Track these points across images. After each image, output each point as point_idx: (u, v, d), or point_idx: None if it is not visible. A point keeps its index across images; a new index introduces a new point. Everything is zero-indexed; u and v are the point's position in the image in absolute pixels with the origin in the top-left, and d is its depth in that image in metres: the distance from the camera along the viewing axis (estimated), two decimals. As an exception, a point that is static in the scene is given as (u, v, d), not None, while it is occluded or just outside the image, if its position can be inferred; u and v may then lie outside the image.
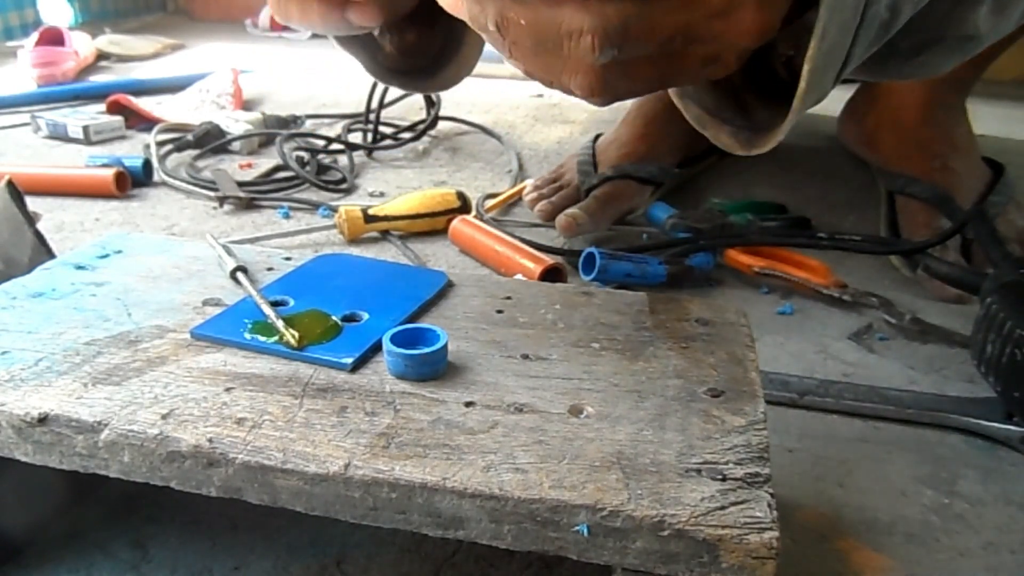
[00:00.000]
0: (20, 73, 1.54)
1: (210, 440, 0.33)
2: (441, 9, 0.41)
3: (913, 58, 0.45)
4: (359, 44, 0.46)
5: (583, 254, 0.73)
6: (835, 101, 0.79)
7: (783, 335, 0.68)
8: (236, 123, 1.19)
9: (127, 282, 0.47)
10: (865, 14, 0.36)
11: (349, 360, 0.38)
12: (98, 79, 1.62)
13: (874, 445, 0.54)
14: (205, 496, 0.34)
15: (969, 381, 0.62)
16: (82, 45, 1.69)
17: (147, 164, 1.02)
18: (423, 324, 0.41)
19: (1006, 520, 0.48)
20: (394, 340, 0.38)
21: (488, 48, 0.74)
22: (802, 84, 0.35)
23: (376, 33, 0.46)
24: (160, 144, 1.11)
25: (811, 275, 0.75)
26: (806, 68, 0.35)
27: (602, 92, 0.36)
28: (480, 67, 0.68)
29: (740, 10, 0.34)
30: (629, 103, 1.01)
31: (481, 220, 0.86)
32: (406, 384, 0.37)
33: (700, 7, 0.34)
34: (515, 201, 0.97)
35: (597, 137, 0.99)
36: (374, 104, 1.17)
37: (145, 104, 1.28)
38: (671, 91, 0.42)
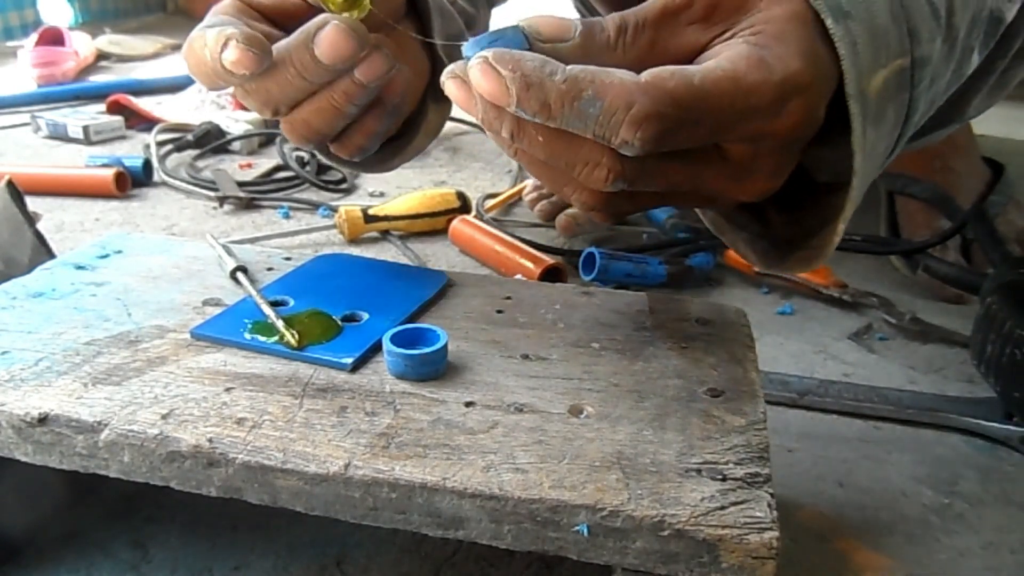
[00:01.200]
0: (20, 73, 1.54)
1: (210, 440, 0.33)
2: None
3: (913, 142, 0.46)
4: None
5: (583, 254, 0.73)
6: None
7: (783, 335, 0.68)
8: (236, 123, 1.19)
9: (127, 282, 0.47)
10: (894, 148, 0.37)
11: (349, 360, 0.38)
12: (98, 79, 1.62)
13: (874, 445, 0.54)
14: (205, 496, 0.34)
15: (969, 381, 0.62)
16: (82, 45, 1.69)
17: (147, 164, 1.02)
18: (423, 324, 0.41)
19: (1006, 520, 0.48)
20: (394, 340, 0.38)
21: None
22: (835, 238, 0.36)
23: None
24: (160, 144, 1.11)
25: (811, 275, 0.75)
26: (840, 226, 0.36)
27: (602, 212, 0.36)
28: None
29: (752, 178, 0.35)
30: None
31: (481, 220, 0.86)
32: (406, 384, 0.37)
33: (716, 168, 0.34)
34: (515, 201, 0.97)
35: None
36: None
37: (145, 104, 1.28)
38: None
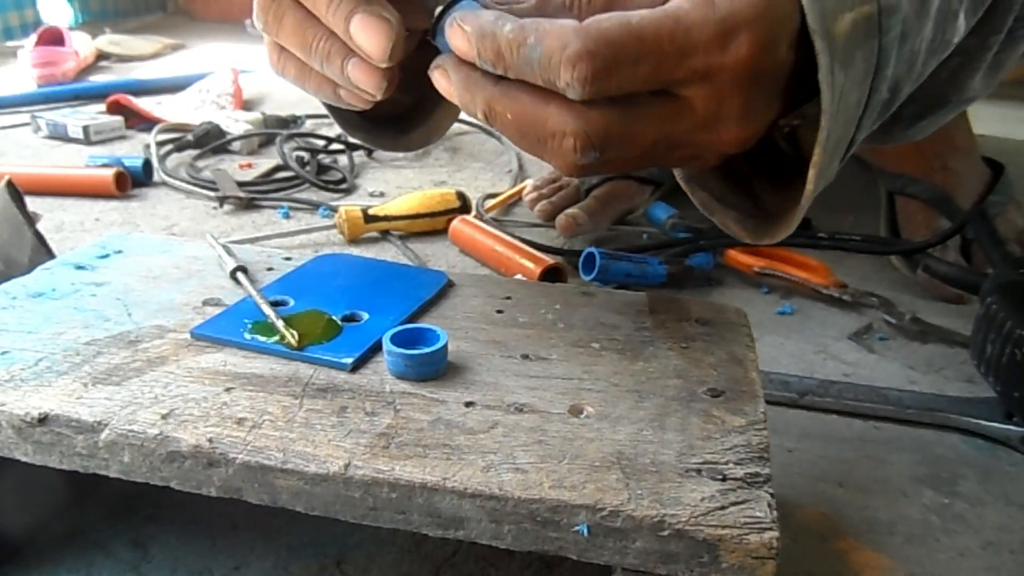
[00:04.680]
0: (20, 73, 1.54)
1: (210, 440, 0.33)
2: (417, 72, 0.41)
3: (916, 123, 0.46)
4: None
5: (583, 254, 0.73)
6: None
7: (783, 335, 0.68)
8: (236, 123, 1.19)
9: (127, 282, 0.47)
10: (868, 101, 0.36)
11: (349, 360, 0.38)
12: (98, 79, 1.62)
13: (874, 445, 0.54)
14: (205, 496, 0.34)
15: (969, 381, 0.62)
16: (82, 45, 1.69)
17: (147, 164, 1.02)
18: (423, 324, 0.41)
19: (1006, 520, 0.48)
20: (394, 340, 0.38)
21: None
22: (809, 186, 0.36)
23: None
24: (160, 144, 1.11)
25: (811, 275, 0.75)
26: (811, 172, 0.35)
27: (580, 176, 0.36)
28: None
29: (723, 124, 0.35)
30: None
31: (481, 220, 0.86)
32: (406, 384, 0.37)
33: (683, 120, 0.34)
34: (515, 201, 0.97)
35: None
36: (374, 104, 1.17)
37: (145, 104, 1.28)
38: (676, 173, 0.43)
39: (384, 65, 0.37)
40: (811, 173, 0.36)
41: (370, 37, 0.37)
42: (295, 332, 0.40)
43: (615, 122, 0.34)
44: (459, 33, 0.34)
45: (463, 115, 0.49)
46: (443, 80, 0.36)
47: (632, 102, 0.34)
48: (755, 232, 0.42)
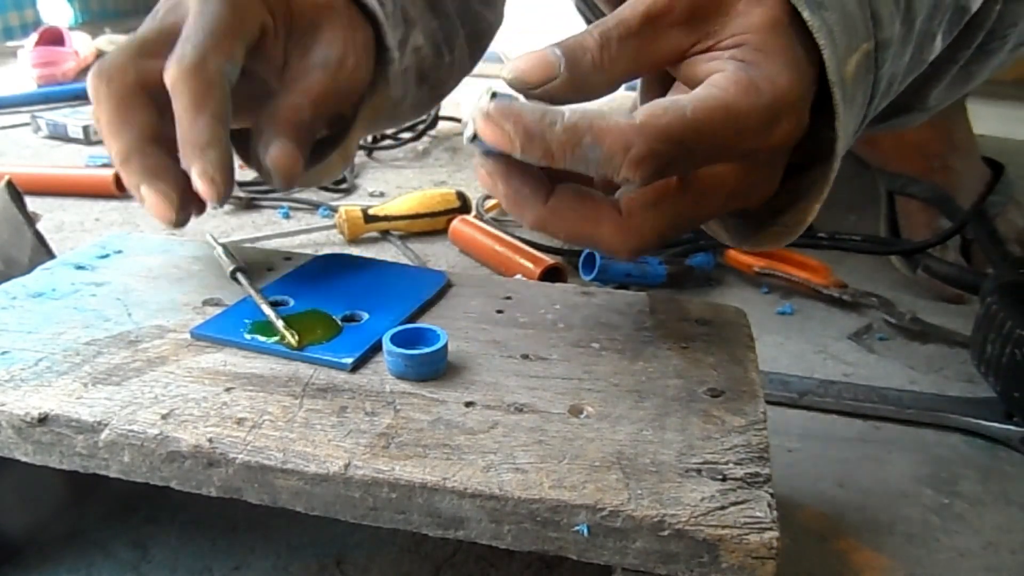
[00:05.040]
0: (20, 73, 1.54)
1: (210, 440, 0.33)
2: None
3: (881, 123, 0.47)
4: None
5: (583, 254, 0.73)
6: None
7: (783, 335, 0.68)
8: (236, 123, 1.19)
9: (127, 282, 0.47)
10: (858, 129, 0.39)
11: (349, 360, 0.38)
12: (98, 79, 1.61)
13: (874, 445, 0.54)
14: (205, 496, 0.34)
15: (969, 381, 0.62)
16: (82, 45, 1.69)
17: (147, 164, 1.02)
18: (423, 324, 0.41)
19: (1006, 520, 0.48)
20: (394, 340, 0.38)
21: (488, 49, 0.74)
22: (809, 217, 0.38)
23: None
24: (160, 144, 1.11)
25: (811, 275, 0.75)
26: (816, 206, 0.37)
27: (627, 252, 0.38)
28: (480, 67, 0.68)
29: (754, 191, 0.37)
30: (628, 102, 1.01)
31: (481, 220, 0.86)
32: (406, 384, 0.37)
33: (715, 195, 0.36)
34: (515, 201, 0.96)
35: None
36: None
37: (145, 104, 1.28)
38: None
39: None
40: (815, 207, 0.38)
41: (154, 208, 0.41)
42: (295, 332, 0.40)
43: (668, 214, 0.35)
44: (497, 133, 0.33)
45: (463, 115, 0.50)
46: (490, 187, 0.36)
47: (683, 183, 0.35)
48: (735, 234, 0.43)
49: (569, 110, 0.32)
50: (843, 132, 0.35)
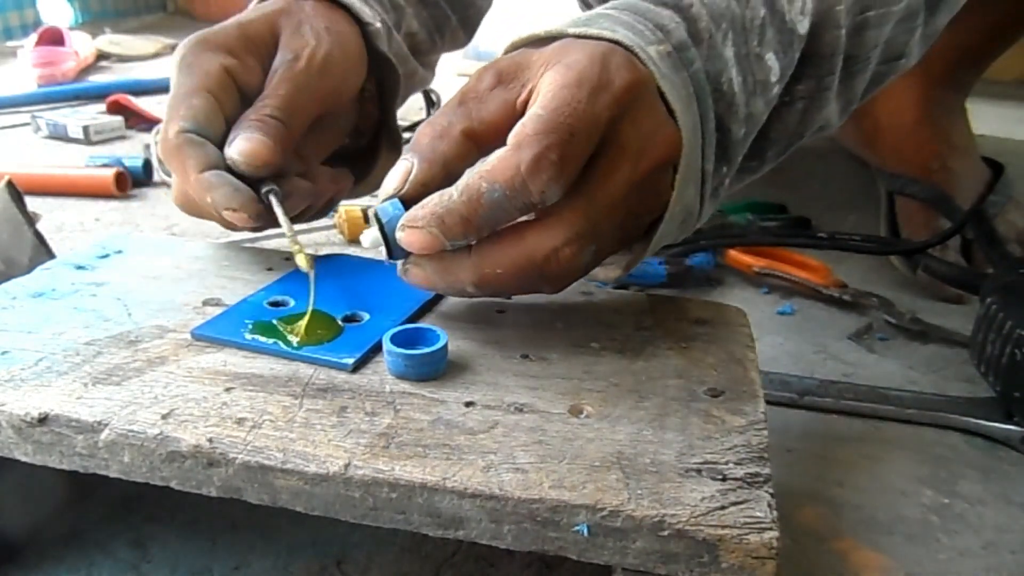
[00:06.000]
0: (20, 73, 1.53)
1: (210, 440, 0.33)
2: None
3: (780, 158, 0.50)
4: None
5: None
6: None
7: (783, 335, 0.68)
8: (236, 123, 1.19)
9: (127, 282, 0.47)
10: (704, 129, 0.41)
11: (350, 360, 0.38)
12: (98, 79, 1.61)
13: (874, 445, 0.54)
14: (205, 496, 0.34)
15: (969, 381, 0.62)
16: (82, 45, 1.69)
17: (147, 164, 1.02)
18: (423, 324, 0.41)
19: (1006, 520, 0.48)
20: (394, 340, 0.38)
21: (484, 48, 0.77)
22: (652, 246, 0.42)
23: None
24: (160, 144, 1.11)
25: (811, 275, 0.75)
26: (652, 242, 0.42)
27: (599, 280, 0.43)
28: (471, 66, 0.70)
29: (655, 136, 0.38)
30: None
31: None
32: (406, 384, 0.37)
33: (624, 159, 0.38)
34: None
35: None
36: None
37: (145, 104, 1.28)
38: None
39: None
40: (652, 242, 0.41)
41: (234, 221, 0.44)
42: (294, 331, 0.40)
43: (584, 201, 0.37)
44: (417, 234, 0.36)
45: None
46: (420, 277, 0.39)
47: (585, 176, 0.37)
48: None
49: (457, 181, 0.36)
50: (679, 104, 0.38)
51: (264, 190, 0.45)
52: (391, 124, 0.57)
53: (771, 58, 0.43)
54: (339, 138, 0.55)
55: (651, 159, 0.38)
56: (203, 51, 0.46)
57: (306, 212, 0.50)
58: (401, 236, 0.37)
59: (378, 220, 0.38)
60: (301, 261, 0.42)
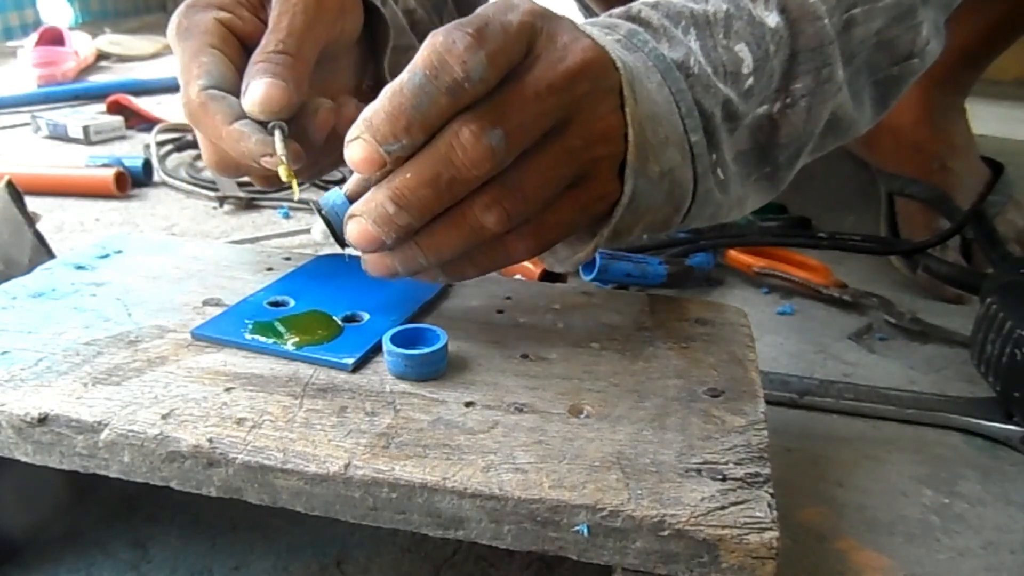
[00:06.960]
0: (20, 73, 1.54)
1: (210, 440, 0.33)
2: None
3: (798, 159, 0.50)
4: None
5: (583, 254, 0.73)
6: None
7: (783, 335, 0.68)
8: (236, 123, 1.19)
9: (127, 282, 0.47)
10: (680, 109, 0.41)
11: (350, 360, 0.38)
12: (98, 79, 1.62)
13: (874, 445, 0.54)
14: (205, 496, 0.34)
15: (969, 381, 0.62)
16: (82, 45, 1.69)
17: (147, 164, 1.02)
18: (423, 324, 0.41)
19: (1006, 520, 0.48)
20: (394, 340, 0.38)
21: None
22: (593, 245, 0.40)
23: None
24: (160, 144, 1.11)
25: (811, 275, 0.75)
26: (597, 240, 0.40)
27: (557, 268, 0.42)
28: None
29: (598, 108, 0.37)
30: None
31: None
32: (406, 384, 0.37)
33: (575, 135, 0.37)
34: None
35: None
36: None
37: (145, 104, 1.28)
38: None
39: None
40: (598, 239, 0.40)
41: (272, 167, 0.43)
42: (295, 330, 0.40)
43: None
44: (358, 146, 0.35)
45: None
46: (383, 266, 0.39)
47: (536, 146, 0.36)
48: (556, 260, 0.43)
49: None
50: (604, 41, 0.38)
51: (271, 125, 0.44)
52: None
53: (742, 49, 0.44)
54: (349, 79, 0.54)
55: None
56: (196, 12, 0.46)
57: (333, 138, 0.47)
58: (351, 230, 0.37)
59: (318, 210, 0.39)
60: (282, 173, 0.42)
